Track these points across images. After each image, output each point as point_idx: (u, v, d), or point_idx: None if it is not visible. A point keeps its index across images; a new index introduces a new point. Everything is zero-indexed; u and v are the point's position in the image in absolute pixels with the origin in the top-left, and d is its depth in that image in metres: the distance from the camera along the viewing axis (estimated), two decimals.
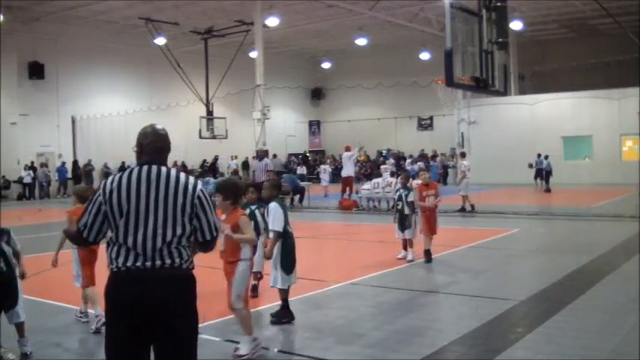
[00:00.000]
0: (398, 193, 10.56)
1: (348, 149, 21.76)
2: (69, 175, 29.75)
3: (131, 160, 32.48)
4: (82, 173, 30.07)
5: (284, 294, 6.58)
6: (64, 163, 29.65)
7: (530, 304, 7.35)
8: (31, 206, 24.63)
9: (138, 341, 3.27)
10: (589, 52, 31.03)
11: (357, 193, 20.88)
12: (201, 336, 6.05)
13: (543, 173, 26.19)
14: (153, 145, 3.49)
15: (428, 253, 10.08)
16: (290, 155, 40.18)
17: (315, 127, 43.21)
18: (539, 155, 26.81)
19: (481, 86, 9.47)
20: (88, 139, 30.59)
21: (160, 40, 29.05)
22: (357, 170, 32.25)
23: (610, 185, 25.75)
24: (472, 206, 17.81)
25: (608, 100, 28.00)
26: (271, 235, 6.38)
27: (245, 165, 35.00)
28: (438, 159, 34.44)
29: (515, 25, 26.99)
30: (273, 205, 6.42)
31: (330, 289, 8.22)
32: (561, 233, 13.85)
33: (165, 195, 3.33)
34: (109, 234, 3.38)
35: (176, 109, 31.86)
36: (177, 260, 3.31)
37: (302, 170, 33.48)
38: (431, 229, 10.26)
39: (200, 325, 6.38)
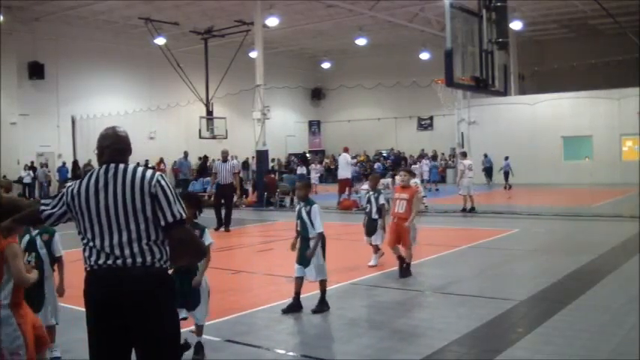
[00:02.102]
0: (367, 195, 10.03)
1: (346, 150, 21.75)
2: (69, 175, 29.74)
3: (131, 160, 32.39)
4: (81, 173, 30.06)
5: (325, 284, 7.16)
6: (64, 163, 29.65)
7: (530, 304, 7.35)
8: None
9: (115, 341, 3.27)
10: (589, 52, 31.04)
11: (356, 193, 20.87)
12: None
13: (503, 173, 27.74)
14: (113, 147, 3.51)
15: (404, 265, 9.00)
16: (290, 155, 40.17)
17: (315, 127, 43.21)
18: (485, 155, 28.59)
19: (481, 86, 9.47)
20: (88, 139, 30.50)
21: (160, 40, 29.05)
22: (357, 170, 32.29)
23: (610, 185, 25.75)
24: (472, 207, 17.79)
25: (608, 100, 28.00)
26: (316, 236, 6.95)
27: (245, 165, 34.98)
28: (438, 159, 34.49)
29: (515, 25, 26.99)
30: (317, 207, 7.04)
31: (330, 289, 8.21)
32: (561, 233, 13.84)
33: (122, 190, 3.35)
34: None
35: (176, 109, 31.88)
36: (148, 258, 3.26)
37: (302, 170, 33.45)
38: (396, 239, 8.92)
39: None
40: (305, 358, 5.65)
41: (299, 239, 7.19)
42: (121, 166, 3.45)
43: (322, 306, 7.09)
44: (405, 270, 8.96)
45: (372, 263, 9.71)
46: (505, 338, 6.06)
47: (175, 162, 33.81)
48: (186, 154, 30.63)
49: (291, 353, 5.84)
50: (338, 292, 8.14)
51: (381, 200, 9.69)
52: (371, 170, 31.81)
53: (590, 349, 5.56)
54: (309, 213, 7.00)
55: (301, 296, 7.13)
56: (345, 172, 20.90)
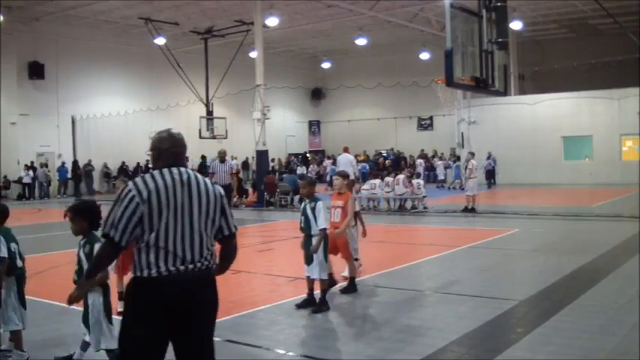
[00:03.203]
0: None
1: (346, 150, 21.73)
2: (69, 175, 29.77)
3: (131, 160, 32.54)
4: (81, 173, 30.08)
5: (326, 283, 7.20)
6: (64, 163, 29.66)
7: (530, 304, 7.35)
8: (30, 206, 24.63)
9: (161, 345, 3.31)
10: (589, 52, 31.02)
11: (356, 193, 20.86)
12: None
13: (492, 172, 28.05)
14: (172, 151, 3.47)
15: (349, 281, 8.07)
16: (290, 155, 40.18)
17: (315, 127, 43.21)
18: (489, 155, 28.48)
19: (481, 86, 9.47)
20: (88, 139, 30.60)
21: (160, 40, 29.06)
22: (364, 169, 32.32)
23: (610, 185, 25.76)
24: (472, 208, 17.81)
25: (608, 100, 28.00)
26: (319, 232, 7.01)
27: (245, 165, 35.02)
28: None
29: (515, 25, 27.00)
30: (322, 204, 7.10)
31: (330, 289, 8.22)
32: (561, 233, 13.84)
33: (198, 197, 3.37)
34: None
35: (176, 109, 31.88)
36: (211, 262, 3.40)
37: (302, 170, 33.48)
38: (333, 251, 7.73)
39: None
40: (305, 358, 5.65)
41: (303, 237, 7.25)
42: (190, 172, 3.45)
43: (322, 306, 7.11)
44: (349, 286, 7.98)
45: (343, 273, 8.63)
46: (505, 338, 6.06)
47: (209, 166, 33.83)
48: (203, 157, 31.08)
49: (291, 353, 5.83)
50: (338, 292, 8.14)
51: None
52: (371, 171, 31.83)
53: (590, 349, 5.56)
54: (313, 209, 7.06)
55: (300, 297, 7.13)
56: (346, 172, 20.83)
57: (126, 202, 3.24)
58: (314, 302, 7.15)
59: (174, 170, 3.38)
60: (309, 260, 7.11)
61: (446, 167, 33.20)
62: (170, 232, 3.26)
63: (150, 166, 33.24)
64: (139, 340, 3.26)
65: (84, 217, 4.92)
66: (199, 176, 3.47)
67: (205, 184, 3.44)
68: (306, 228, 7.14)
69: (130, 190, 3.27)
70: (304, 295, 7.31)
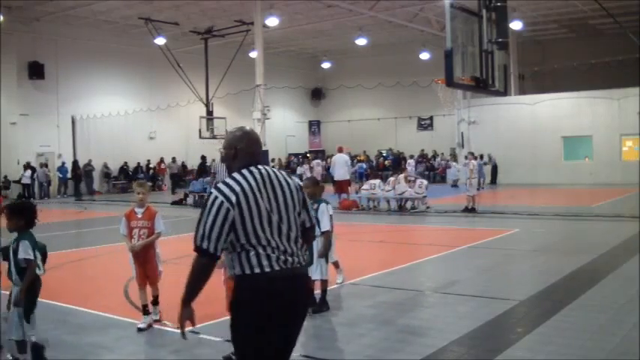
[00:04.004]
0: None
1: (340, 150, 21.76)
2: (69, 175, 29.77)
3: (131, 160, 32.53)
4: (81, 173, 30.09)
5: (326, 284, 7.20)
6: (64, 163, 29.67)
7: (530, 304, 7.35)
8: None
9: (281, 344, 3.33)
10: (589, 52, 31.03)
11: (356, 192, 20.89)
12: (202, 336, 6.08)
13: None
14: (248, 150, 3.44)
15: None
16: (290, 155, 40.19)
17: (315, 127, 43.21)
18: (489, 157, 28.52)
19: (481, 86, 9.47)
20: (88, 139, 30.60)
21: (160, 40, 29.06)
22: (361, 168, 32.29)
23: (610, 185, 25.77)
24: (473, 208, 17.81)
25: (608, 100, 28.01)
26: (322, 235, 6.96)
27: None
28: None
29: (515, 25, 27.00)
30: (325, 206, 7.13)
31: (330, 289, 8.21)
32: (561, 233, 13.85)
33: (282, 193, 3.36)
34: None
35: (176, 109, 31.90)
36: (303, 258, 3.40)
37: (302, 170, 33.46)
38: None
39: (200, 325, 6.42)
40: (305, 358, 5.65)
41: None
42: (268, 168, 3.43)
43: (322, 306, 7.12)
44: (321, 303, 7.23)
45: (338, 280, 8.57)
46: (505, 338, 6.06)
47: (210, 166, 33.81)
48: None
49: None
50: (338, 292, 8.15)
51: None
52: (371, 170, 31.86)
53: (590, 349, 5.57)
54: (316, 211, 7.02)
55: None
56: (342, 172, 20.82)
57: (215, 210, 3.16)
58: (314, 302, 7.15)
59: (254, 170, 3.34)
60: (309, 261, 7.12)
61: (447, 167, 33.22)
62: (266, 231, 3.24)
63: (151, 166, 33.35)
64: (265, 341, 3.25)
65: (20, 216, 5.18)
66: (277, 171, 3.47)
67: (285, 178, 3.44)
68: None
69: (216, 197, 3.20)
70: None
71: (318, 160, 31.45)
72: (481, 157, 28.64)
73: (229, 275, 3.40)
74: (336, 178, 21.15)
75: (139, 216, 6.58)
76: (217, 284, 6.30)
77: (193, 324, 3.37)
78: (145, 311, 6.58)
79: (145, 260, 6.59)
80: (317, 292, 7.23)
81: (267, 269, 3.19)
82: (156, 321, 6.63)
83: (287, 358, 3.38)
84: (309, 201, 7.16)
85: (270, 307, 3.20)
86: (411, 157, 34.52)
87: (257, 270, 3.19)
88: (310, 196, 7.23)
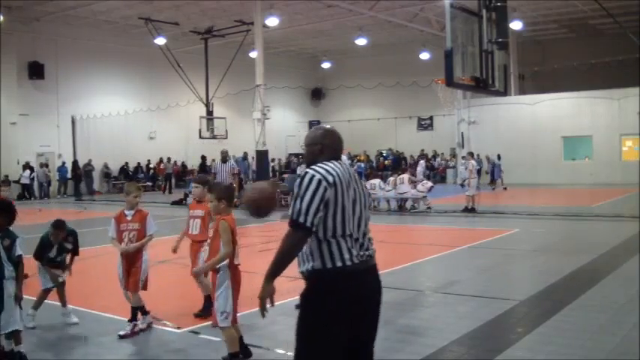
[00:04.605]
0: None
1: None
2: (69, 175, 29.76)
3: (131, 160, 32.53)
4: (81, 173, 30.07)
5: None
6: (64, 163, 29.67)
7: (530, 304, 7.35)
8: (31, 206, 24.62)
9: (355, 341, 3.38)
10: (589, 52, 31.04)
11: None
12: (202, 336, 6.08)
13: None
14: (334, 147, 3.52)
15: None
16: (290, 155, 40.17)
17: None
18: (499, 157, 28.02)
19: (481, 86, 9.47)
20: (88, 139, 30.59)
21: (160, 40, 29.06)
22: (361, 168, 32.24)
23: (610, 185, 25.77)
24: (473, 208, 17.81)
25: (608, 100, 28.01)
26: None
27: (244, 158, 34.95)
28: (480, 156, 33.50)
29: (515, 25, 27.00)
30: None
31: None
32: (561, 233, 13.84)
33: (360, 189, 3.44)
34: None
35: (176, 109, 31.90)
36: (373, 250, 3.46)
37: (302, 170, 33.47)
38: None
39: (200, 325, 6.41)
40: None
41: None
42: (346, 165, 3.51)
43: None
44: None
45: None
46: (505, 338, 6.05)
47: (175, 162, 34.00)
48: (245, 154, 31.14)
49: (290, 353, 5.81)
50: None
51: None
52: (371, 171, 31.86)
53: (590, 349, 5.56)
54: None
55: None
56: None
57: (314, 187, 3.21)
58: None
59: (342, 164, 3.43)
60: None
61: (446, 167, 33.21)
62: (350, 222, 3.29)
63: (151, 166, 33.36)
64: (338, 339, 3.27)
65: (4, 214, 5.38)
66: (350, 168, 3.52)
67: (357, 176, 3.52)
68: None
69: (313, 176, 3.24)
70: None
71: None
72: (499, 157, 28.38)
73: (303, 270, 3.34)
74: None
75: (129, 218, 6.45)
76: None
77: (272, 303, 3.53)
78: (133, 315, 6.37)
79: (131, 264, 6.37)
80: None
81: (348, 262, 3.24)
82: (141, 330, 6.35)
83: (370, 349, 3.51)
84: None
85: (349, 300, 3.25)
86: (421, 157, 34.41)
87: (339, 264, 3.23)
88: None
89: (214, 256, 5.18)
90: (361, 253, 3.31)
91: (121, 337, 6.17)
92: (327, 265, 3.23)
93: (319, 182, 3.21)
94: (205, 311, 6.68)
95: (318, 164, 3.33)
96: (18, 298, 5.34)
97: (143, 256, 6.45)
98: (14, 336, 5.37)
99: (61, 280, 6.77)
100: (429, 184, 19.62)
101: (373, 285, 3.41)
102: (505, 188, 26.76)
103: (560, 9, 28.81)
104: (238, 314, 5.37)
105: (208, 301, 6.64)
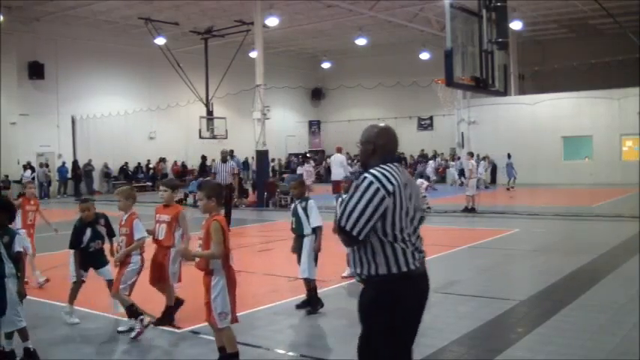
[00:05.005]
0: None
1: (339, 150, 21.73)
2: (69, 175, 29.75)
3: (131, 160, 32.53)
4: (81, 173, 30.07)
5: (314, 283, 7.07)
6: (64, 163, 29.66)
7: (530, 304, 7.35)
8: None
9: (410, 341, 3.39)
10: (589, 52, 31.02)
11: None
12: (202, 336, 6.09)
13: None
14: (389, 147, 3.45)
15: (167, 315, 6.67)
16: (290, 155, 40.19)
17: (315, 127, 43.20)
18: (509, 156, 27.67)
19: (481, 86, 9.46)
20: (88, 139, 30.60)
21: (160, 40, 29.05)
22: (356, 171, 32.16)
23: (610, 185, 25.76)
24: (473, 208, 17.80)
25: (608, 100, 28.00)
26: (316, 230, 6.97)
27: (245, 165, 35.01)
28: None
29: (515, 25, 26.99)
30: (313, 202, 7.07)
31: (330, 289, 8.22)
32: (561, 233, 13.85)
33: (415, 193, 3.41)
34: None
35: (176, 109, 31.89)
36: (424, 253, 3.44)
37: (302, 170, 33.43)
38: (157, 275, 6.65)
39: (200, 326, 6.41)
40: (305, 358, 5.65)
41: (294, 238, 7.21)
42: (400, 166, 3.45)
43: (316, 305, 7.06)
44: (314, 302, 7.11)
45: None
46: (505, 338, 6.06)
47: (175, 162, 34.05)
48: (231, 152, 31.20)
49: (291, 353, 5.83)
50: (338, 292, 8.15)
51: None
52: None
53: (590, 349, 5.57)
54: (305, 209, 7.02)
55: (300, 297, 7.13)
56: (338, 172, 20.78)
57: (369, 195, 3.14)
58: (320, 303, 7.14)
59: (396, 165, 3.35)
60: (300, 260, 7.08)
61: (445, 167, 33.17)
62: (407, 228, 3.27)
63: (151, 166, 33.38)
64: (403, 341, 3.30)
65: (4, 212, 5.49)
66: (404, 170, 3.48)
67: (411, 178, 3.47)
68: (297, 229, 7.09)
69: (371, 183, 3.17)
70: (303, 296, 7.30)
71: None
72: (509, 156, 28.12)
73: (365, 274, 3.29)
74: (332, 179, 21.17)
75: (123, 223, 6.45)
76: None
77: None
78: (131, 314, 6.34)
79: (120, 268, 6.37)
80: (325, 289, 7.24)
81: (412, 267, 3.26)
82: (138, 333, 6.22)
83: (411, 349, 3.45)
84: (297, 200, 7.17)
85: (413, 304, 3.30)
86: (434, 157, 34.22)
87: (404, 269, 3.23)
88: (298, 196, 7.17)
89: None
90: (417, 256, 3.31)
91: (133, 338, 6.13)
92: (393, 270, 3.22)
93: (376, 191, 3.15)
94: (164, 320, 6.53)
95: (378, 168, 3.26)
96: (21, 295, 5.37)
97: (131, 261, 6.33)
98: (20, 333, 5.41)
99: (83, 278, 6.84)
100: (425, 183, 19.64)
101: (427, 287, 3.43)
102: (512, 187, 26.63)
103: (560, 9, 28.81)
104: (238, 314, 5.37)
105: (169, 310, 6.59)
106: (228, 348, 5.12)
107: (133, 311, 6.24)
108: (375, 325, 3.26)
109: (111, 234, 7.02)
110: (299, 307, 7.16)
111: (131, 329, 6.23)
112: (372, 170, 3.25)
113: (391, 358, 3.26)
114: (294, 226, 7.14)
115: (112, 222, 7.03)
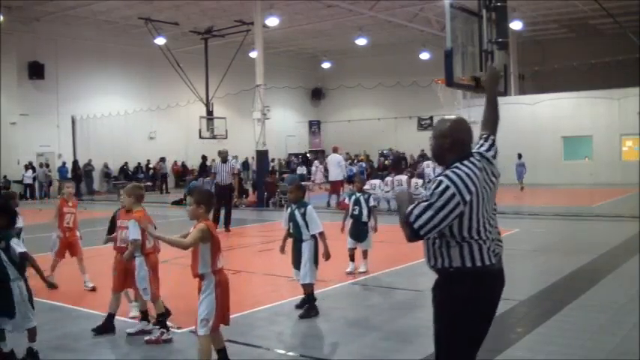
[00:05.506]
0: (354, 197, 9.42)
1: (335, 150, 21.69)
2: (69, 175, 29.73)
3: (131, 160, 32.53)
4: (82, 173, 30.07)
5: (311, 288, 6.95)
6: (64, 163, 29.66)
7: (530, 304, 7.35)
8: (31, 206, 24.62)
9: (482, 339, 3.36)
10: (589, 52, 31.02)
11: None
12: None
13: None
14: (465, 141, 3.38)
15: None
16: (290, 155, 40.19)
17: (315, 127, 43.22)
18: (520, 156, 27.46)
19: (481, 86, 9.46)
20: (88, 139, 30.60)
21: (160, 40, 29.06)
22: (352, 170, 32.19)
23: (610, 185, 25.76)
24: None
25: (608, 100, 28.00)
26: (317, 235, 6.92)
27: (245, 165, 35.02)
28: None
29: (515, 25, 26.99)
30: (312, 208, 7.00)
31: (330, 289, 8.22)
32: (561, 233, 13.84)
33: (493, 185, 3.37)
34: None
35: (176, 109, 31.89)
36: (501, 246, 3.42)
37: (302, 170, 33.46)
38: (123, 281, 6.53)
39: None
40: (305, 358, 5.65)
41: (292, 242, 7.11)
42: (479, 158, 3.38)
43: (310, 311, 6.91)
44: (309, 308, 7.00)
45: (362, 269, 9.24)
46: (505, 338, 6.05)
47: (175, 162, 34.05)
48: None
49: (291, 353, 5.83)
50: (338, 292, 8.15)
51: (372, 202, 9.50)
52: (372, 171, 31.87)
53: (590, 349, 5.57)
54: (304, 215, 6.92)
55: (300, 297, 7.12)
56: (336, 173, 20.76)
57: (444, 201, 3.11)
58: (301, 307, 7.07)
59: (474, 161, 3.29)
60: (297, 264, 6.99)
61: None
62: (485, 224, 3.27)
63: (150, 166, 33.36)
64: (477, 336, 3.29)
65: (5, 214, 5.33)
66: (481, 161, 3.36)
67: (491, 169, 3.40)
68: (296, 233, 6.99)
69: (448, 187, 3.13)
70: (303, 296, 7.29)
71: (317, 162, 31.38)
72: (520, 156, 28.04)
73: (439, 266, 3.31)
74: (329, 179, 21.16)
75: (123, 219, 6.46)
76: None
77: None
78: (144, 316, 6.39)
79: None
80: (324, 289, 7.23)
81: (487, 262, 3.25)
82: (145, 331, 6.27)
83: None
84: (294, 205, 7.07)
85: (487, 299, 3.29)
86: (423, 157, 34.14)
87: (479, 263, 3.22)
88: (294, 201, 7.08)
89: (195, 260, 4.89)
90: (494, 251, 3.31)
91: (146, 341, 6.10)
92: (467, 265, 3.22)
93: (452, 196, 3.11)
94: (102, 329, 6.38)
95: (456, 170, 3.19)
96: (30, 294, 5.40)
97: (136, 264, 6.23)
98: (30, 332, 5.43)
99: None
100: (420, 182, 19.61)
101: (501, 283, 3.39)
102: (523, 187, 26.36)
103: (560, 9, 28.81)
104: (238, 314, 5.38)
105: (144, 315, 6.43)
106: (198, 355, 4.97)
107: (159, 321, 6.18)
108: (446, 317, 3.30)
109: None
110: (298, 306, 7.14)
111: (143, 332, 6.22)
112: (450, 173, 3.19)
113: (460, 350, 3.28)
114: (292, 231, 7.05)
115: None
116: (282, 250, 7.22)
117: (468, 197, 3.14)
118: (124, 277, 6.39)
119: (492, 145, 3.57)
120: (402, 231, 3.22)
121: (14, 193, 9.82)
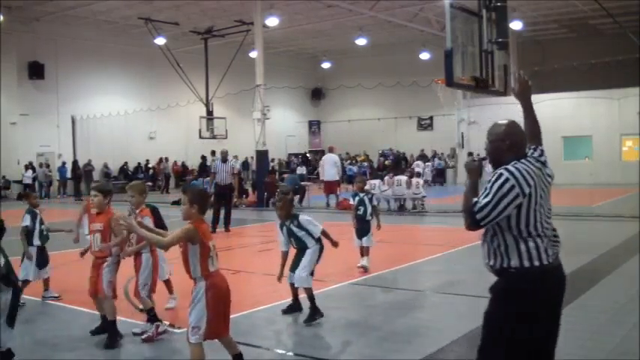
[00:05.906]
0: (357, 197, 9.71)
1: (331, 150, 21.67)
2: (69, 175, 29.76)
3: (131, 160, 32.54)
4: (82, 173, 30.07)
5: (310, 291, 6.81)
6: (64, 163, 29.67)
7: None
8: None
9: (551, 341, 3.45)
10: (589, 52, 30.99)
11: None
12: None
13: None
14: (522, 143, 3.49)
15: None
16: (290, 155, 40.19)
17: (315, 127, 43.22)
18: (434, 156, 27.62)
19: (481, 86, 9.45)
20: (88, 139, 30.60)
21: (160, 40, 29.07)
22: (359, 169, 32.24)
23: (610, 185, 25.76)
24: None
25: (608, 100, 28.01)
26: (320, 237, 6.86)
27: (245, 165, 35.02)
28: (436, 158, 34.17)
29: (515, 25, 26.98)
30: (302, 215, 6.92)
31: (330, 289, 8.22)
32: (561, 233, 13.72)
33: (548, 187, 3.44)
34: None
35: (176, 109, 31.89)
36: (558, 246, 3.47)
37: (302, 170, 33.48)
38: (96, 287, 6.11)
39: None
40: (305, 358, 5.65)
41: (296, 252, 6.93)
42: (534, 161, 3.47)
43: (314, 315, 6.71)
44: (312, 312, 6.73)
45: (363, 263, 9.43)
46: None
47: (175, 162, 34.05)
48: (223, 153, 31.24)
49: (290, 353, 5.83)
50: (338, 293, 8.15)
51: (374, 201, 9.75)
52: (371, 171, 31.88)
53: (590, 349, 5.56)
54: (299, 226, 6.76)
55: (300, 297, 7.11)
56: (331, 173, 20.75)
57: (504, 191, 3.22)
58: (299, 308, 6.98)
59: (531, 161, 3.39)
60: (294, 267, 6.88)
61: (446, 167, 33.15)
62: (542, 223, 3.33)
63: (150, 166, 33.36)
64: (533, 338, 3.35)
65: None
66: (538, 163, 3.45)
67: (546, 171, 3.47)
68: (301, 245, 6.83)
69: (507, 179, 3.24)
70: (303, 296, 7.27)
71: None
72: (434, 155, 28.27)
73: (496, 266, 3.35)
74: (325, 179, 21.12)
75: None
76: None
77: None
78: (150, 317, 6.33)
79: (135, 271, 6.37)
80: (322, 289, 7.22)
81: (545, 262, 3.32)
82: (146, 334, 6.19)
83: (552, 350, 3.53)
84: (288, 222, 6.88)
85: (546, 299, 3.36)
86: (433, 158, 34.07)
87: (536, 263, 3.28)
88: (286, 217, 6.80)
89: (186, 263, 4.64)
90: (552, 251, 3.37)
91: (143, 340, 6.08)
92: (525, 264, 3.29)
93: (512, 188, 3.22)
94: (100, 330, 6.17)
95: (515, 165, 3.30)
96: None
97: (142, 260, 6.23)
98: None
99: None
100: (421, 181, 19.67)
101: (562, 281, 3.45)
102: None
103: (560, 9, 28.80)
104: (238, 314, 5.37)
105: (105, 322, 6.10)
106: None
107: (151, 316, 6.16)
108: (505, 316, 3.33)
109: (162, 227, 6.37)
110: (285, 312, 7.03)
111: (145, 332, 6.22)
112: (509, 167, 3.29)
113: (521, 348, 3.31)
114: (295, 246, 6.87)
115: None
116: (280, 279, 6.85)
117: (527, 190, 3.24)
118: (97, 284, 6.05)
119: (542, 153, 3.62)
120: (461, 217, 3.34)
121: (35, 194, 9.62)
